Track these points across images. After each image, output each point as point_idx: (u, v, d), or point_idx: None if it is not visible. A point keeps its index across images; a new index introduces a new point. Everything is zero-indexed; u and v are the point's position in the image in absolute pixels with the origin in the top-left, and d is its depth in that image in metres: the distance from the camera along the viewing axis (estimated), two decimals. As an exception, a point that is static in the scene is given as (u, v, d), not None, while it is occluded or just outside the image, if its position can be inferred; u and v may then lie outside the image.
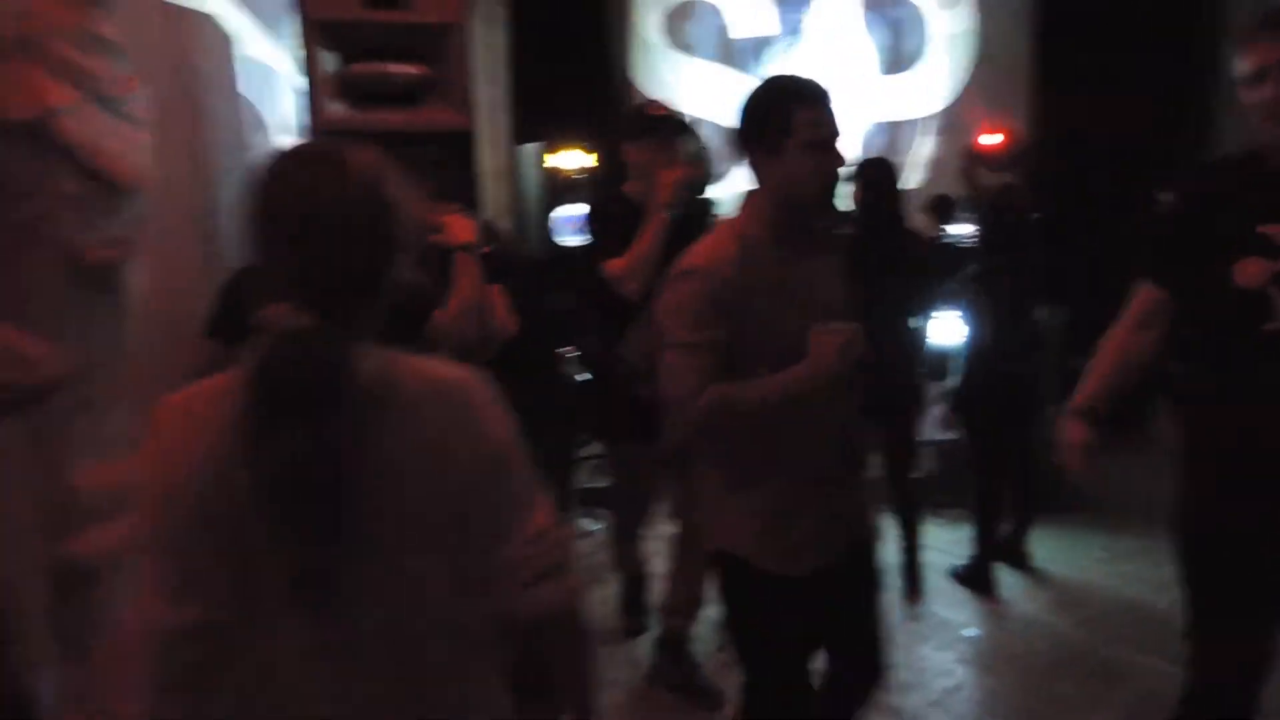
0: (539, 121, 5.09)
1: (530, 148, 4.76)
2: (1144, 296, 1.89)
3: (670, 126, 2.72)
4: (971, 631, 3.28)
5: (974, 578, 3.56)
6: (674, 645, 2.90)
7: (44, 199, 2.25)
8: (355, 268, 1.00)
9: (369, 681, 1.00)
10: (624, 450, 2.91)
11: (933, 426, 4.18)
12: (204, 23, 3.54)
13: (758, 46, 5.41)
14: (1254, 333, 1.71)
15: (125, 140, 2.46)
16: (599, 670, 1.29)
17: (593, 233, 2.83)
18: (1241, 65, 1.71)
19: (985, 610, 3.44)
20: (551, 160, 4.68)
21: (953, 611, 3.39)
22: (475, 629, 1.09)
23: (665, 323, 1.73)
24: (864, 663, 1.96)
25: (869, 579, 1.95)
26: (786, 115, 1.67)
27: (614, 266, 2.57)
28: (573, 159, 4.69)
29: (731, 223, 1.80)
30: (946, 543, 3.84)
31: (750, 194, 1.78)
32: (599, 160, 4.75)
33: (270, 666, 0.99)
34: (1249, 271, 1.70)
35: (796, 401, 1.66)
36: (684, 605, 2.87)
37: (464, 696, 1.10)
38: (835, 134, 1.71)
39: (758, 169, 1.75)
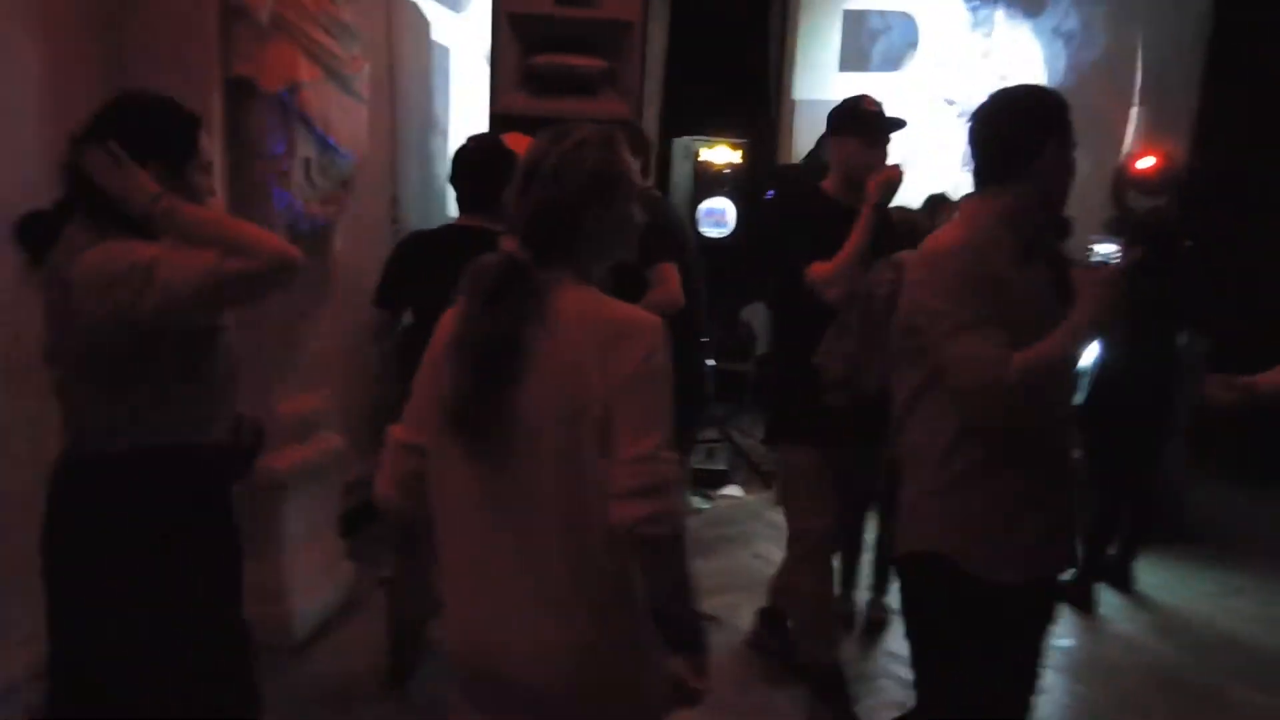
0: (691, 116, 5.35)
1: (682, 141, 5.02)
2: None
3: (885, 123, 2.56)
4: (1066, 642, 3.37)
5: (1076, 594, 3.63)
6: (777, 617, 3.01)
7: (282, 160, 2.65)
8: (556, 213, 1.29)
9: (508, 533, 1.29)
10: (798, 455, 2.65)
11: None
12: (408, 8, 3.94)
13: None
14: None
15: (350, 114, 2.86)
16: (691, 598, 1.34)
17: (779, 229, 2.71)
18: None
19: (1083, 625, 3.52)
20: (703, 154, 4.92)
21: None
22: (595, 531, 1.24)
23: (935, 306, 1.62)
24: (1025, 687, 1.85)
25: (1053, 603, 1.87)
26: (1041, 140, 1.63)
27: (819, 271, 2.38)
28: (721, 154, 4.93)
29: (969, 222, 1.72)
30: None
31: (984, 199, 1.71)
32: (745, 157, 4.96)
33: (446, 496, 1.34)
34: None
35: (1080, 347, 1.64)
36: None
37: (589, 585, 1.27)
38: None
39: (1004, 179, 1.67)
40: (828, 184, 2.62)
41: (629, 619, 1.32)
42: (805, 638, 2.79)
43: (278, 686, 2.35)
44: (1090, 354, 3.67)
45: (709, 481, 4.70)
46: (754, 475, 4.89)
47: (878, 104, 2.59)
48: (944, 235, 1.72)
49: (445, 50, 4.31)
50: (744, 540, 4.13)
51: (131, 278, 1.50)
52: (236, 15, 2.47)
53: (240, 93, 2.53)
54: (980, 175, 1.71)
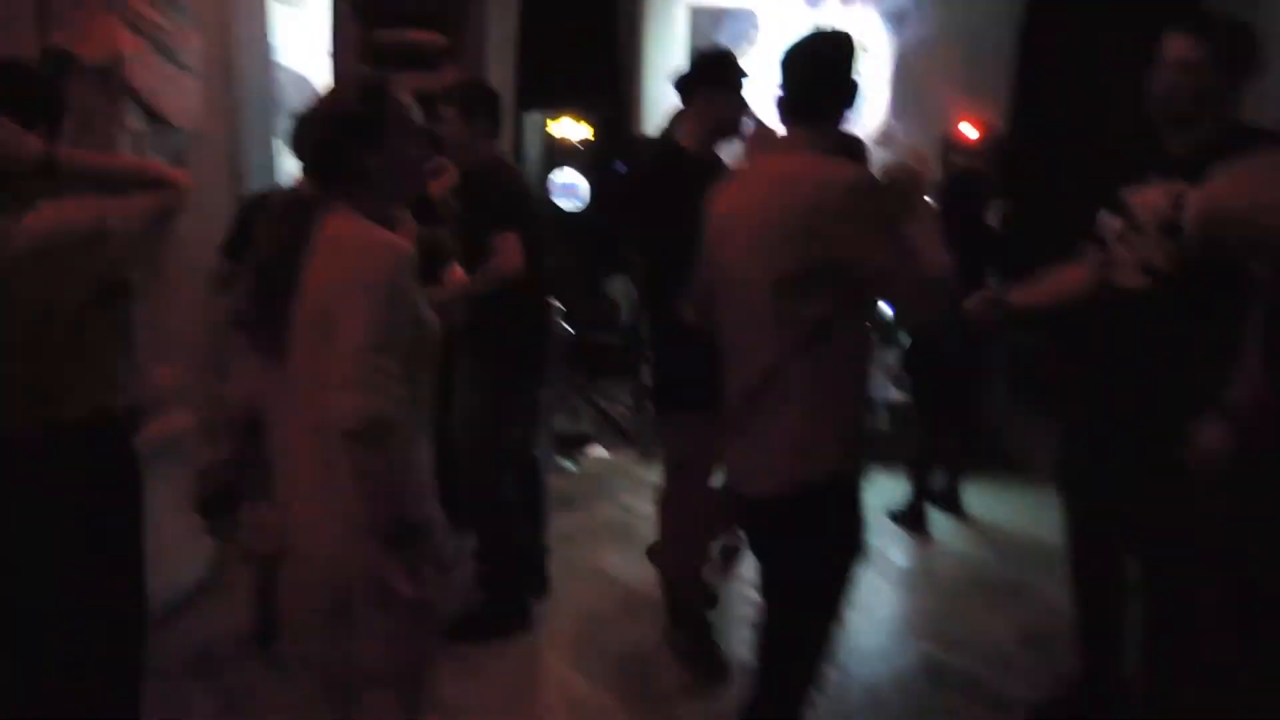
0: (543, 93, 5.47)
1: (533, 116, 5.14)
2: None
3: (744, 74, 2.62)
4: (901, 560, 3.71)
5: (909, 518, 3.99)
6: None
7: (111, 132, 2.64)
8: (321, 152, 1.49)
9: (289, 426, 1.51)
10: (682, 420, 2.68)
11: (882, 385, 4.59)
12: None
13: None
14: None
15: (179, 86, 2.86)
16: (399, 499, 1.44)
17: (649, 193, 2.72)
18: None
19: (917, 544, 3.87)
20: (553, 129, 5.05)
21: (888, 545, 3.81)
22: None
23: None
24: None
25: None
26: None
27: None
28: (572, 129, 5.07)
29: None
30: (888, 488, 4.24)
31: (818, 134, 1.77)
32: (595, 132, 5.13)
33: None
34: None
35: None
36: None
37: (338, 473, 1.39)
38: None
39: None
40: (687, 142, 2.62)
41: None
42: (673, 569, 2.91)
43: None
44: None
45: (575, 443, 4.85)
46: (618, 437, 5.08)
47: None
48: (835, 170, 1.66)
49: (284, 27, 4.30)
50: (610, 494, 4.32)
51: (91, 232, 1.62)
52: (53, -12, 2.45)
53: (61, 65, 2.51)
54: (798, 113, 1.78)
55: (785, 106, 1.79)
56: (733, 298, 1.79)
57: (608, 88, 6.10)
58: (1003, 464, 4.59)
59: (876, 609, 3.27)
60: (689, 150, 2.62)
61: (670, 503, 2.83)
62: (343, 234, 1.45)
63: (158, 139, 2.81)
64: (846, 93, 1.76)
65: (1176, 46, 2.07)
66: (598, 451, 4.91)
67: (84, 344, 1.73)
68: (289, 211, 1.48)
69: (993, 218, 4.02)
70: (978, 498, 4.24)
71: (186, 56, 2.85)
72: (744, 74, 2.62)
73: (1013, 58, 5.79)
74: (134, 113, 2.68)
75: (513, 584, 3.06)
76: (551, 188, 4.98)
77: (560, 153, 5.07)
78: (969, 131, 5.55)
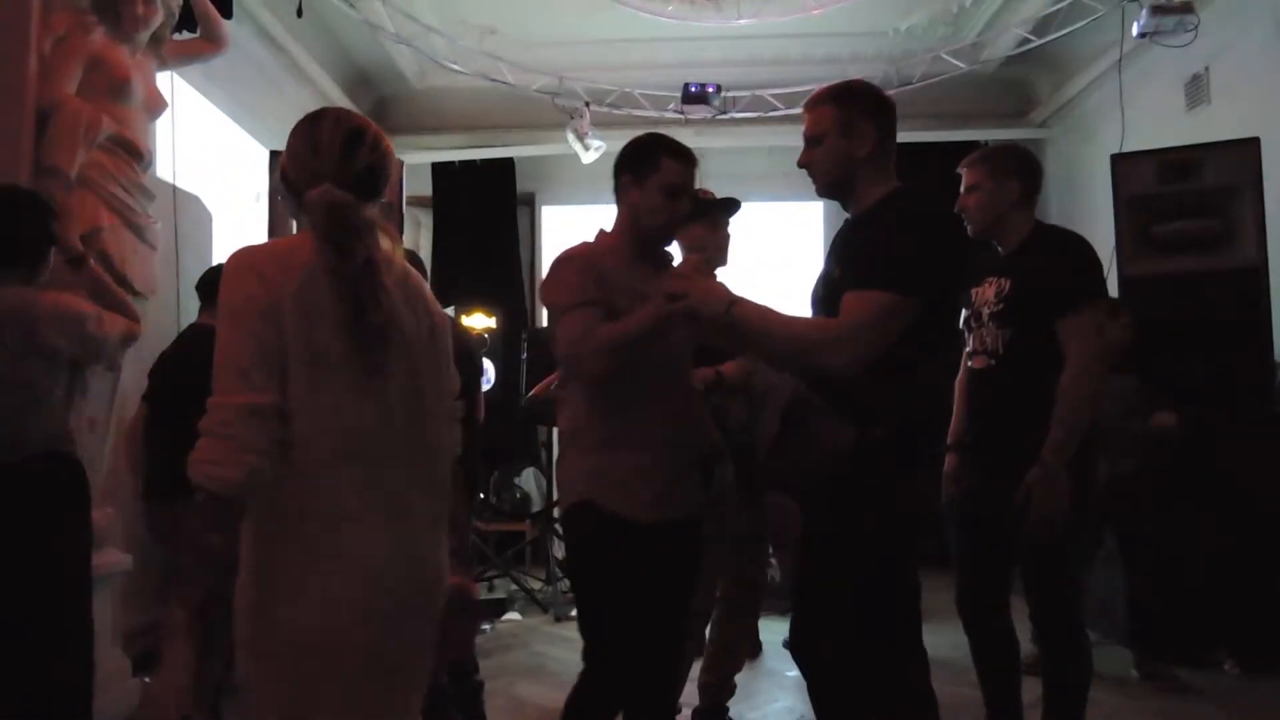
0: (454, 294, 6.15)
1: (447, 310, 5.77)
2: None
3: (720, 207, 2.85)
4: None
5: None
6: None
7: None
8: None
9: None
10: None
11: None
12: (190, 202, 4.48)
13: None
14: None
15: (144, 258, 3.34)
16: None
17: None
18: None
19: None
20: (464, 320, 5.66)
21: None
22: None
23: (552, 300, 2.08)
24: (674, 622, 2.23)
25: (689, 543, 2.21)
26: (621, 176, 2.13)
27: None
28: (479, 320, 5.71)
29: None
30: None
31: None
32: (499, 323, 5.79)
33: None
34: None
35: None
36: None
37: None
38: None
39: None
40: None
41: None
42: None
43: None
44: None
45: (492, 610, 5.07)
46: (532, 603, 5.33)
47: (709, 193, 2.86)
48: (570, 248, 2.15)
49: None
50: (524, 644, 4.55)
51: (88, 320, 2.30)
52: (48, 173, 2.97)
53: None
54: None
55: None
56: None
57: (510, 289, 6.87)
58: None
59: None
60: None
61: None
62: None
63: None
64: None
65: (965, 176, 2.60)
66: (512, 615, 5.12)
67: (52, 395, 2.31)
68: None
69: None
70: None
71: (150, 235, 3.36)
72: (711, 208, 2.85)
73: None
74: (105, 276, 3.13)
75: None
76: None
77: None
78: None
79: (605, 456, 2.07)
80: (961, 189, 2.61)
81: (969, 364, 2.59)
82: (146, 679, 3.32)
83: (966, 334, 2.60)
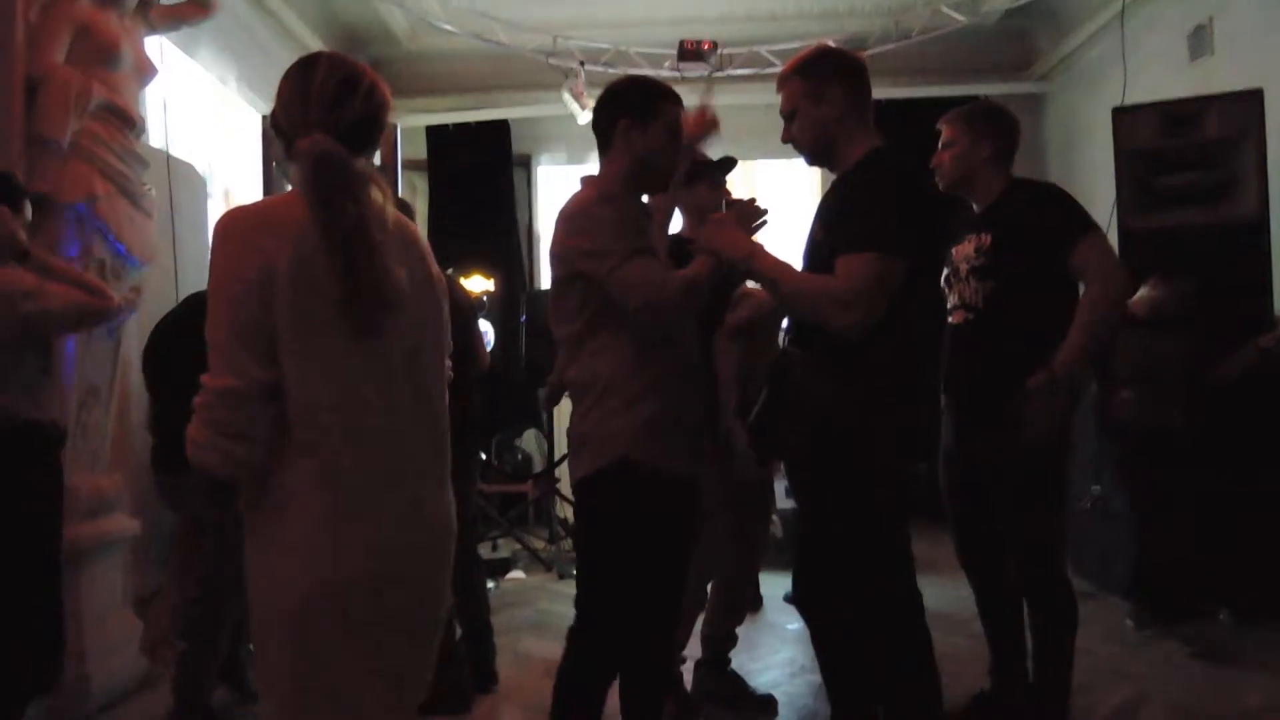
0: (452, 256, 6.13)
1: (445, 273, 5.75)
2: None
3: (718, 167, 2.83)
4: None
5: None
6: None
7: (77, 262, 3.06)
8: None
9: None
10: None
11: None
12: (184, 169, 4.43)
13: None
14: None
15: (141, 226, 3.33)
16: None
17: None
18: None
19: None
20: (462, 283, 5.65)
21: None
22: None
23: (596, 247, 1.94)
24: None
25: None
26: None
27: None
28: (477, 283, 5.69)
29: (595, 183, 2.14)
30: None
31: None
32: (498, 286, 5.78)
33: None
34: None
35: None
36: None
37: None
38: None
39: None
40: (686, 232, 2.77)
41: None
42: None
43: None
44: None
45: (496, 569, 5.13)
46: (535, 561, 5.40)
47: (705, 155, 2.75)
48: (578, 197, 2.07)
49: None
50: (529, 602, 4.60)
51: (29, 294, 2.34)
52: (40, 143, 2.94)
53: (41, 207, 2.95)
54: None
55: None
56: None
57: (509, 250, 6.85)
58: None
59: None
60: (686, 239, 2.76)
61: None
62: None
63: (119, 268, 3.23)
64: None
65: (943, 131, 2.61)
66: (516, 574, 5.18)
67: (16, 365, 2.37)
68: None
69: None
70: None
71: (146, 202, 3.34)
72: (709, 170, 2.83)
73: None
74: (102, 245, 3.12)
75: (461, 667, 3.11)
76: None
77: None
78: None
79: (651, 404, 1.98)
80: (939, 144, 2.63)
81: (949, 320, 2.60)
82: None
83: (946, 290, 2.62)
